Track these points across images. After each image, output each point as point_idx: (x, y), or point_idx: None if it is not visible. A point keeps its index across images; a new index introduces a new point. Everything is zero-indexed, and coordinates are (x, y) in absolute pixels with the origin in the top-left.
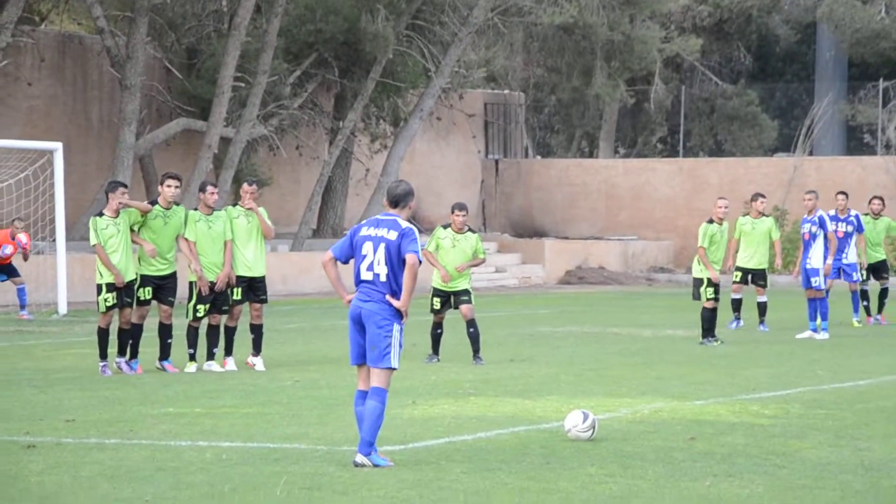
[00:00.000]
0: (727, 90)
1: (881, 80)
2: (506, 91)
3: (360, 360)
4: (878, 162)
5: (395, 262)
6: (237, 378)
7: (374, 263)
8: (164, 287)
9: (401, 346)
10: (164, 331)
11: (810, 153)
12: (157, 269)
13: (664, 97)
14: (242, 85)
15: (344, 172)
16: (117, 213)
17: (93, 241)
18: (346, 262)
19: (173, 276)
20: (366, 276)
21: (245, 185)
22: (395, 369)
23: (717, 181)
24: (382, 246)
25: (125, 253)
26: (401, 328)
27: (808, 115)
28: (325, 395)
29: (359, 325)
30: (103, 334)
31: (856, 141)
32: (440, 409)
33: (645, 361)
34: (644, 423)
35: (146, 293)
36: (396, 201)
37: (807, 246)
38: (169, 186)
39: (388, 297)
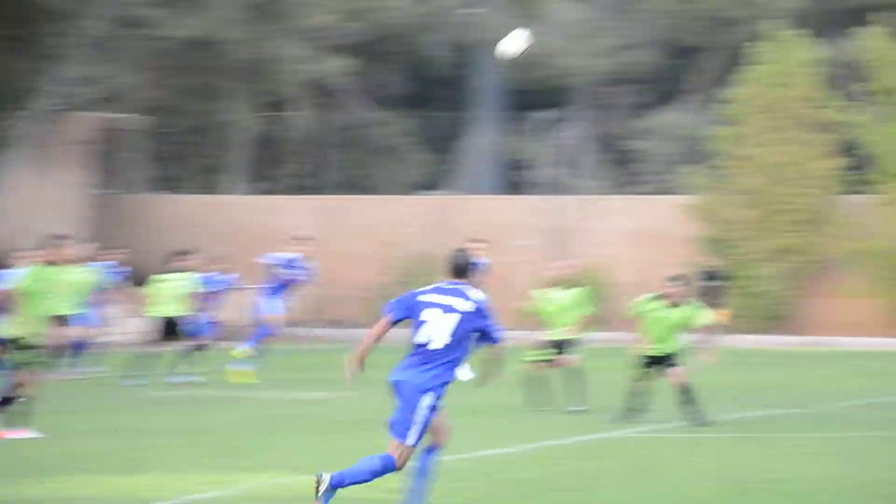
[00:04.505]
0: (375, 119)
1: (540, 110)
2: (123, 115)
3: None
4: (530, 202)
5: (463, 334)
6: None
7: (434, 331)
8: None
9: (425, 423)
10: None
11: (463, 191)
12: None
13: (303, 125)
14: None
15: None
16: None
17: None
18: (398, 321)
19: None
20: (419, 340)
21: None
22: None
23: (360, 222)
24: (454, 316)
25: None
26: (431, 405)
27: (462, 147)
28: None
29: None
30: None
31: (512, 178)
32: (16, 490)
33: (277, 429)
34: (264, 499)
35: None
36: (461, 271)
37: None
38: None
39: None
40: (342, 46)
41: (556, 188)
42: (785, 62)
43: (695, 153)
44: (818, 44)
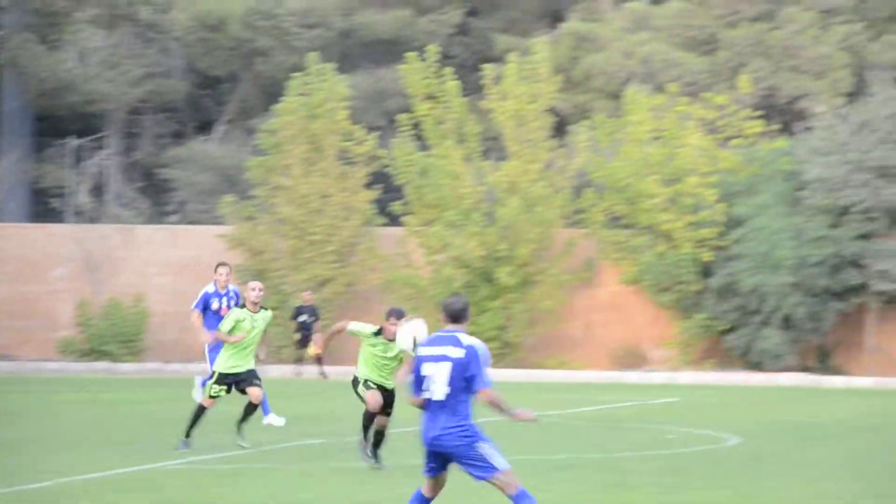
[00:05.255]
0: None
1: (71, 137)
2: None
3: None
4: (67, 230)
5: (460, 382)
6: None
7: (434, 383)
8: None
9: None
10: None
11: None
12: None
13: None
14: None
15: None
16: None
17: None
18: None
19: None
20: (426, 395)
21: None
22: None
23: None
24: (447, 365)
25: None
26: (481, 440)
27: None
28: None
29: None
30: None
31: (43, 206)
32: None
33: None
34: None
35: None
36: (456, 317)
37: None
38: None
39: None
40: None
41: (91, 216)
42: (321, 94)
43: (232, 183)
44: (354, 76)
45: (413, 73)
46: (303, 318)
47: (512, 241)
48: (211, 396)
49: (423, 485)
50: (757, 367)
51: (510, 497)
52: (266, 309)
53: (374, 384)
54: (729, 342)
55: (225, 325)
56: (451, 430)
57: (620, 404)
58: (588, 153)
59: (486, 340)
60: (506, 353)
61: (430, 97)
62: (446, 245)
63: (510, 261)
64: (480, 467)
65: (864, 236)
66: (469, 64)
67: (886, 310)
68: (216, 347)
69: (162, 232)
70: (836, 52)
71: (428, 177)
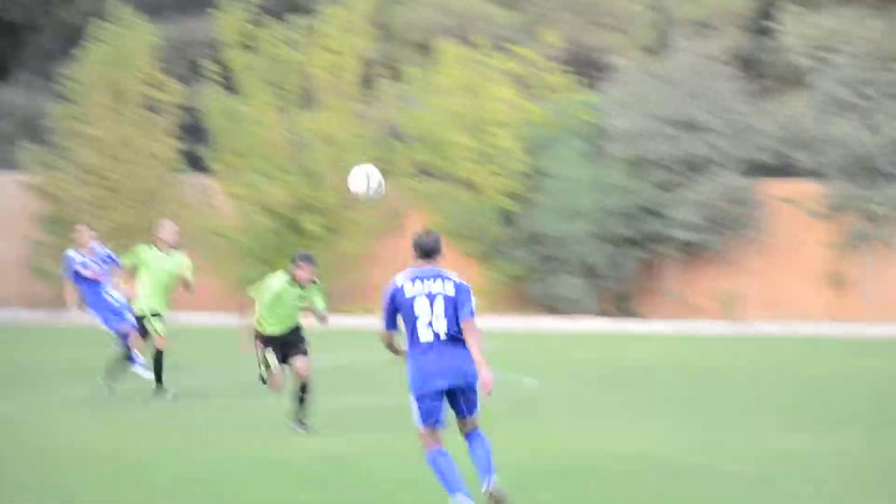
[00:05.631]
0: None
1: None
2: None
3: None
4: None
5: (456, 316)
6: None
7: (436, 320)
8: None
9: None
10: None
11: None
12: None
13: None
14: None
15: None
16: None
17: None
18: (395, 328)
19: None
20: (425, 336)
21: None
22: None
23: None
24: (441, 300)
25: None
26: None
27: None
28: None
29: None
30: None
31: None
32: None
33: None
34: None
35: None
36: (430, 252)
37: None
38: None
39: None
40: None
41: None
42: (125, 42)
43: (32, 130)
44: (160, 25)
45: (227, 19)
46: None
47: (319, 189)
48: (161, 335)
49: (435, 445)
50: (558, 313)
51: (471, 434)
52: (182, 254)
53: (278, 334)
54: (531, 289)
55: (127, 260)
56: (468, 363)
57: None
58: (397, 103)
59: None
60: None
61: (244, 45)
62: (253, 193)
63: (317, 209)
64: (474, 402)
65: (664, 187)
66: (282, 14)
67: (684, 257)
68: (95, 302)
69: None
70: (642, 8)
71: (236, 123)
